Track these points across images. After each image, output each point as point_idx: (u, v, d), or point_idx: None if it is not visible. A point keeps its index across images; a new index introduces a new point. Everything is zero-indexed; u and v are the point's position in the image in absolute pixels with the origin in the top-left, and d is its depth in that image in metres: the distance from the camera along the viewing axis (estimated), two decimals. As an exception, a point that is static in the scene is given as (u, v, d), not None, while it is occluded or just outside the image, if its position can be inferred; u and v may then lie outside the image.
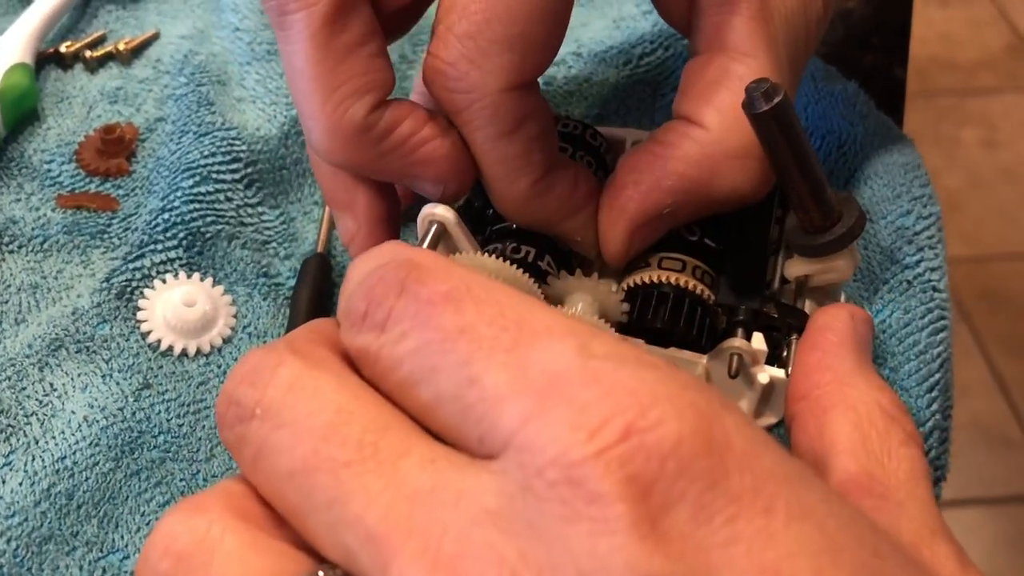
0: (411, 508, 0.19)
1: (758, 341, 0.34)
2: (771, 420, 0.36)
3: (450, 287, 0.21)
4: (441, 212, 0.33)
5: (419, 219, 0.34)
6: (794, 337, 0.34)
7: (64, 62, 0.49)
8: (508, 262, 0.34)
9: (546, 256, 0.36)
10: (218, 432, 0.23)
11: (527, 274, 0.34)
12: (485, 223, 0.38)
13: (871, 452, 0.27)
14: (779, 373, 0.34)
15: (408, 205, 0.39)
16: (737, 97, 0.31)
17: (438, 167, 0.32)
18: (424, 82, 0.31)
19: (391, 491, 0.19)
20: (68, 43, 0.50)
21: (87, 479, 0.34)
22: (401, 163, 0.32)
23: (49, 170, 0.44)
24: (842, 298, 0.38)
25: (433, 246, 0.33)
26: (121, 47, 0.49)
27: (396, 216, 0.35)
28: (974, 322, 1.49)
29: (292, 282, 0.40)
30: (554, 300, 0.34)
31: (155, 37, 0.51)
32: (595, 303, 0.34)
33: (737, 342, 0.33)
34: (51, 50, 0.49)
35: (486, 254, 0.35)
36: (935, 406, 0.36)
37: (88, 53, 0.49)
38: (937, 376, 0.37)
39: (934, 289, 0.39)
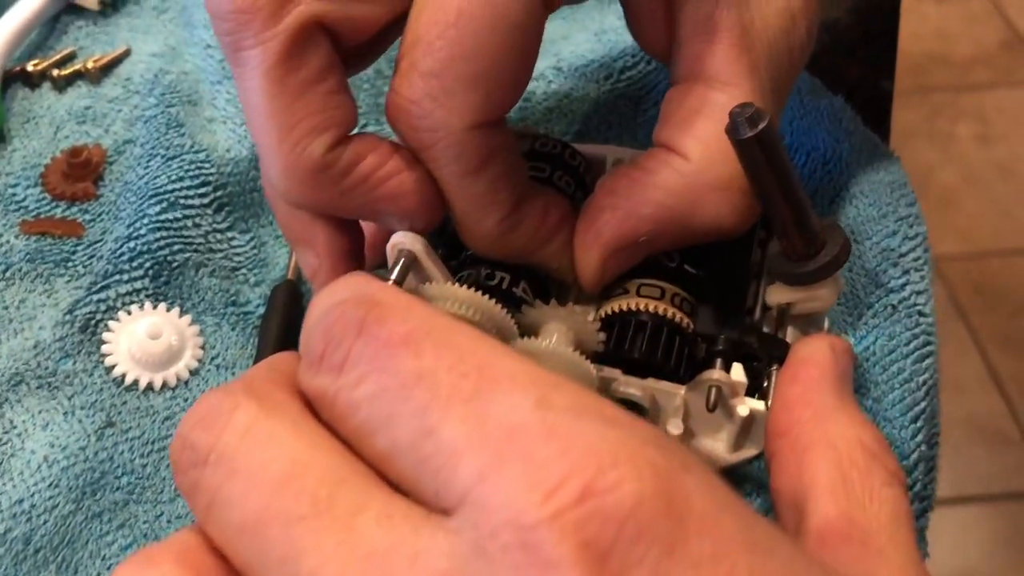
0: (366, 569, 0.19)
1: (738, 372, 0.33)
2: (751, 452, 0.35)
3: (410, 328, 0.21)
4: (410, 242, 0.32)
5: (388, 247, 0.32)
6: (775, 368, 0.33)
7: (31, 81, 0.48)
8: (481, 291, 0.33)
9: (521, 282, 0.35)
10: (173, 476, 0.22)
11: (500, 304, 0.33)
12: (460, 247, 0.37)
13: (852, 494, 0.27)
14: (759, 405, 0.33)
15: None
16: (719, 127, 0.30)
17: (405, 202, 0.31)
18: (388, 119, 0.30)
19: (346, 550, 0.19)
20: (36, 61, 0.49)
21: (46, 523, 0.33)
22: (365, 200, 0.31)
23: (14, 194, 0.43)
24: (825, 325, 0.37)
25: (402, 276, 0.32)
26: (90, 65, 0.48)
27: (359, 248, 0.34)
28: (969, 318, 1.48)
29: (262, 310, 0.39)
30: (529, 330, 0.33)
31: (126, 54, 0.50)
32: (570, 333, 0.33)
33: (716, 374, 0.32)
34: (18, 68, 0.48)
35: (458, 282, 0.34)
36: (920, 436, 0.35)
37: (56, 71, 0.48)
38: (922, 405, 0.36)
39: (920, 313, 0.38)
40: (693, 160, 0.32)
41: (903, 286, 0.38)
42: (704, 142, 0.32)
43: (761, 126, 0.29)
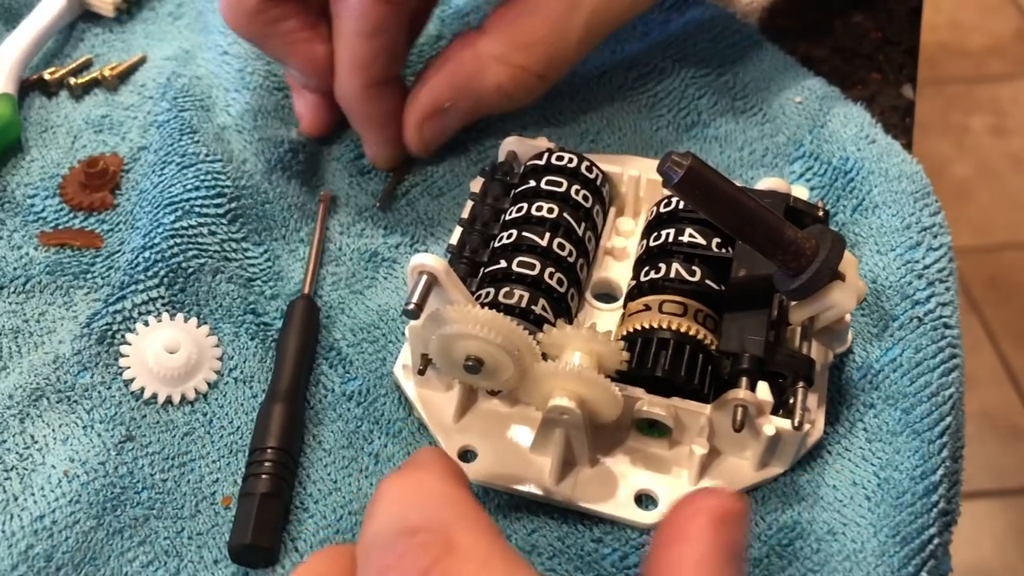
0: None
1: (763, 391, 0.32)
2: (777, 470, 0.34)
3: None
4: (432, 263, 0.32)
5: (409, 269, 0.32)
6: (800, 385, 0.33)
7: (48, 89, 0.48)
8: (500, 310, 0.33)
9: (540, 300, 0.35)
10: None
11: (520, 323, 0.33)
12: (478, 264, 0.37)
13: None
14: (785, 424, 0.32)
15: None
16: (519, 14, 0.41)
17: (305, 62, 0.41)
18: None
19: None
20: (52, 69, 0.48)
21: (67, 539, 0.33)
22: (278, 50, 0.41)
23: (32, 205, 0.43)
24: (849, 337, 0.37)
25: (424, 296, 0.32)
26: (107, 73, 0.48)
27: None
28: (983, 312, 1.47)
29: (279, 323, 0.39)
30: (551, 351, 0.33)
31: (142, 61, 0.49)
32: (592, 355, 0.32)
33: (742, 393, 0.32)
34: (35, 77, 0.48)
35: (477, 303, 0.34)
36: (945, 451, 0.35)
37: (73, 80, 0.48)
38: (948, 419, 0.35)
39: (945, 326, 0.37)
40: (484, 36, 0.41)
41: (928, 298, 0.38)
42: (499, 22, 0.41)
43: (687, 164, 0.30)
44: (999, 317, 1.45)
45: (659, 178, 0.31)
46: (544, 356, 0.32)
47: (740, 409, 0.32)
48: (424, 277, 0.32)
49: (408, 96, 0.42)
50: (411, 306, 0.31)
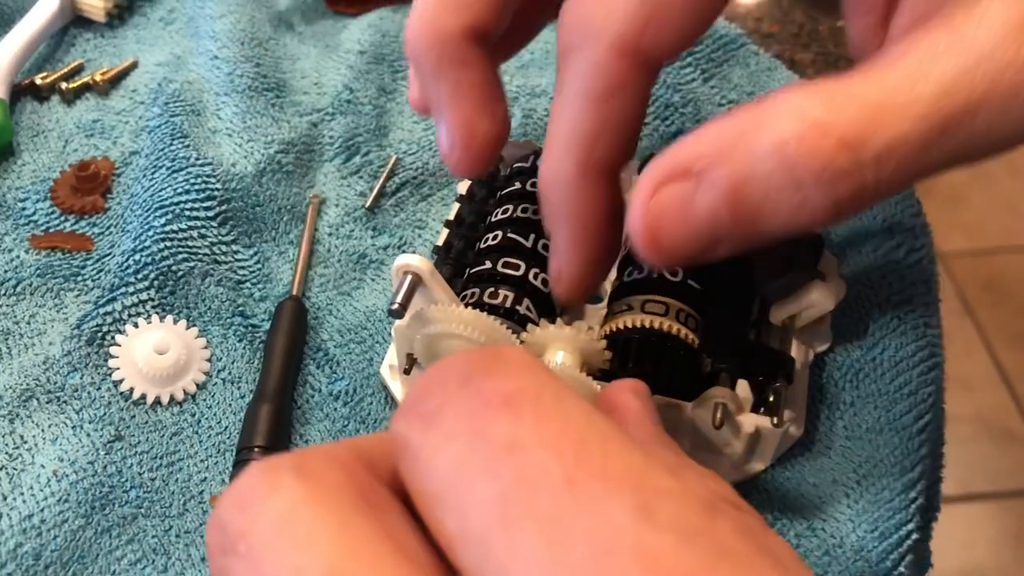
0: None
1: (743, 389, 0.33)
2: (758, 467, 0.35)
3: (518, 387, 0.18)
4: (416, 263, 0.32)
5: (394, 269, 0.33)
6: (780, 383, 0.33)
7: (40, 94, 0.48)
8: (485, 310, 0.33)
9: (525, 300, 0.35)
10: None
11: (503, 323, 0.33)
12: (464, 265, 0.37)
13: None
14: (765, 421, 0.33)
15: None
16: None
17: (458, 129, 0.31)
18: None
19: None
20: (44, 74, 0.49)
21: (56, 537, 0.33)
22: (442, 96, 0.31)
23: (24, 208, 0.43)
24: (830, 337, 0.37)
25: (408, 297, 0.32)
26: (98, 78, 0.48)
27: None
28: (977, 315, 1.48)
29: (267, 325, 0.39)
30: (535, 350, 0.33)
31: (133, 66, 0.50)
32: (577, 353, 0.33)
33: (721, 391, 0.32)
34: (27, 81, 0.49)
35: (462, 300, 0.35)
36: (924, 449, 0.35)
37: (64, 84, 0.48)
38: (928, 417, 0.36)
39: (926, 325, 0.38)
40: (780, 90, 0.26)
41: (909, 299, 0.38)
42: (811, 82, 0.26)
43: None
44: (993, 320, 1.45)
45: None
46: None
47: (720, 406, 0.32)
48: (408, 277, 0.32)
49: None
50: (395, 306, 0.31)
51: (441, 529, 0.17)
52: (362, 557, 0.17)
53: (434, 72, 0.32)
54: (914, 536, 0.34)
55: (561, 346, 0.33)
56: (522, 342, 0.33)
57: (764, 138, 0.25)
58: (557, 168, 0.29)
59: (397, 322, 0.34)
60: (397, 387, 0.37)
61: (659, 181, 0.26)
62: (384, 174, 0.45)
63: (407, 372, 0.35)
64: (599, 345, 0.33)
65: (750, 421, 0.33)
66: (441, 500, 0.17)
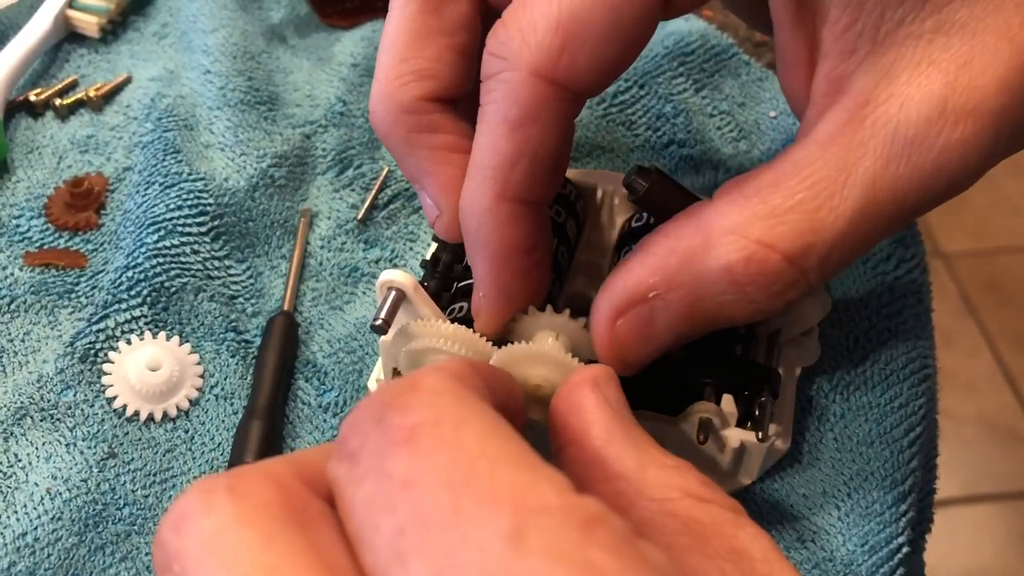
0: None
1: (728, 403, 0.33)
2: (744, 482, 0.35)
3: (422, 419, 0.18)
4: (400, 278, 0.32)
5: (378, 285, 0.33)
6: (766, 397, 0.33)
7: (34, 110, 0.49)
8: (471, 325, 0.33)
9: (512, 315, 0.35)
10: None
11: (484, 337, 0.33)
12: (452, 279, 0.37)
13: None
14: (750, 436, 0.33)
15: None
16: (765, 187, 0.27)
17: (443, 190, 0.31)
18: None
19: None
20: (38, 90, 0.49)
21: (49, 556, 0.34)
22: (418, 165, 0.31)
23: (18, 225, 0.44)
24: (818, 350, 0.37)
25: (391, 312, 0.32)
26: (92, 93, 0.49)
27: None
28: (981, 316, 1.47)
29: (259, 340, 0.40)
30: (524, 337, 0.32)
31: (127, 82, 0.50)
32: (565, 339, 0.32)
33: (705, 406, 0.32)
34: (21, 98, 0.49)
35: (448, 316, 0.35)
36: (915, 462, 0.35)
37: (59, 100, 0.49)
38: (919, 429, 0.36)
39: (917, 337, 0.38)
40: (714, 205, 0.27)
41: (900, 311, 0.39)
42: (737, 188, 0.28)
43: (651, 177, 0.31)
44: (997, 321, 1.45)
45: (633, 194, 0.32)
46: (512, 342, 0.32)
47: (704, 422, 0.32)
48: (392, 293, 0.32)
49: (601, 286, 0.30)
50: (379, 321, 0.31)
51: (363, 562, 0.18)
52: (284, 567, 0.17)
53: (405, 144, 0.31)
54: (905, 549, 0.34)
55: (550, 333, 0.32)
56: (513, 332, 0.32)
57: (711, 263, 0.27)
58: (473, 197, 0.29)
59: (382, 337, 0.34)
60: (388, 402, 0.37)
61: (616, 311, 0.29)
62: (376, 186, 0.45)
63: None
64: (588, 333, 0.31)
65: (735, 436, 0.33)
66: (359, 538, 0.18)
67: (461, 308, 0.35)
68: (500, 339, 0.34)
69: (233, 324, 0.40)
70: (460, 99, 0.32)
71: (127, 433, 0.37)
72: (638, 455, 0.23)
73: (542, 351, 0.30)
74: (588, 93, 0.29)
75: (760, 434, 0.32)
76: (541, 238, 0.30)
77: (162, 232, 0.41)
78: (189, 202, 0.42)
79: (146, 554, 0.34)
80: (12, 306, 0.41)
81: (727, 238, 0.26)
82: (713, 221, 0.27)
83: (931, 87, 0.25)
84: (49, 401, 0.37)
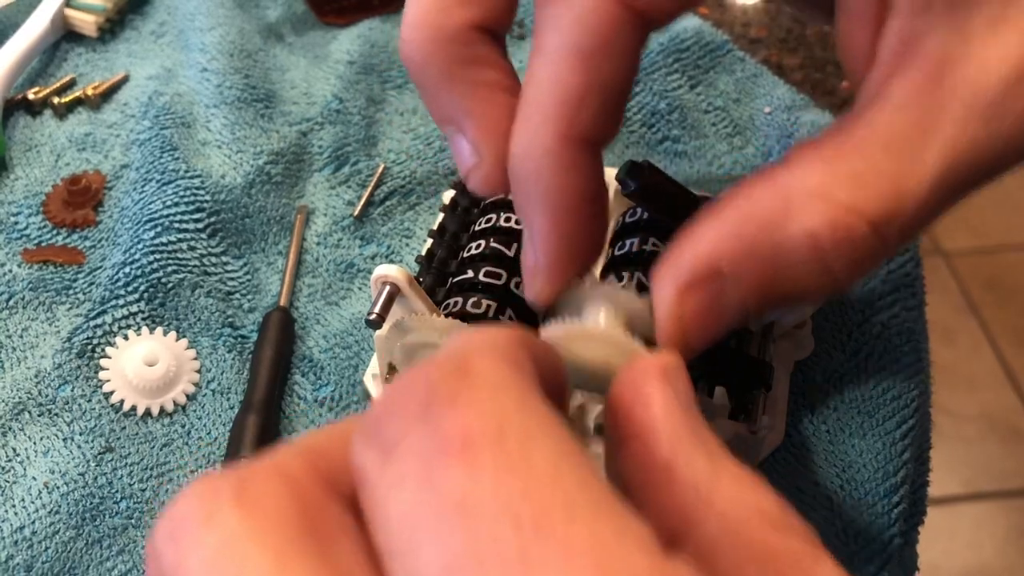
0: None
1: (720, 396, 0.33)
2: (739, 473, 0.35)
3: (480, 426, 0.16)
4: (394, 273, 0.33)
5: (372, 280, 0.33)
6: (758, 390, 0.33)
7: (32, 109, 0.49)
8: (468, 320, 0.34)
9: (507, 310, 0.35)
10: None
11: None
12: (447, 274, 0.38)
13: None
14: (742, 428, 0.33)
15: None
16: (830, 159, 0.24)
17: (485, 129, 0.26)
18: None
19: None
20: (36, 89, 0.49)
21: (47, 549, 0.34)
22: (459, 104, 0.27)
23: (16, 223, 0.44)
24: (812, 343, 0.38)
25: (386, 307, 0.33)
26: (90, 92, 0.49)
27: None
28: (982, 313, 1.47)
29: (256, 336, 0.40)
30: (572, 310, 0.27)
31: (124, 80, 0.50)
32: (618, 312, 0.26)
33: (698, 398, 0.32)
34: (19, 96, 0.49)
35: (443, 311, 0.35)
36: (907, 454, 0.35)
37: (57, 99, 0.49)
38: (911, 422, 0.36)
39: (910, 331, 0.38)
40: (790, 167, 0.24)
41: (893, 303, 0.39)
42: (814, 150, 0.24)
43: (643, 172, 0.31)
44: (998, 318, 1.45)
45: (629, 191, 0.32)
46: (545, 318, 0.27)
47: (699, 414, 0.32)
48: (387, 288, 0.32)
49: (660, 257, 0.25)
50: (373, 316, 0.32)
51: (390, 569, 0.16)
52: None
53: (444, 77, 0.27)
54: (897, 541, 0.34)
55: (602, 304, 0.26)
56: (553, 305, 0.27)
57: (793, 230, 0.23)
58: (533, 140, 0.25)
59: (378, 332, 0.34)
60: (383, 396, 0.37)
61: (685, 285, 0.24)
62: (372, 183, 0.45)
63: (387, 381, 0.36)
64: (641, 304, 0.26)
65: (727, 428, 0.33)
66: (389, 547, 0.16)
67: (456, 303, 0.35)
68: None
69: (230, 320, 0.41)
70: (503, 33, 0.28)
71: (124, 428, 0.37)
72: (711, 463, 0.19)
73: (600, 331, 0.25)
74: (660, 21, 0.26)
75: (752, 427, 0.32)
76: (603, 185, 0.27)
77: (159, 229, 0.41)
78: (186, 199, 0.42)
79: (142, 547, 0.35)
80: (10, 303, 0.41)
81: (811, 202, 0.23)
82: (792, 184, 0.24)
83: (1008, 49, 0.24)
84: (47, 396, 0.38)
